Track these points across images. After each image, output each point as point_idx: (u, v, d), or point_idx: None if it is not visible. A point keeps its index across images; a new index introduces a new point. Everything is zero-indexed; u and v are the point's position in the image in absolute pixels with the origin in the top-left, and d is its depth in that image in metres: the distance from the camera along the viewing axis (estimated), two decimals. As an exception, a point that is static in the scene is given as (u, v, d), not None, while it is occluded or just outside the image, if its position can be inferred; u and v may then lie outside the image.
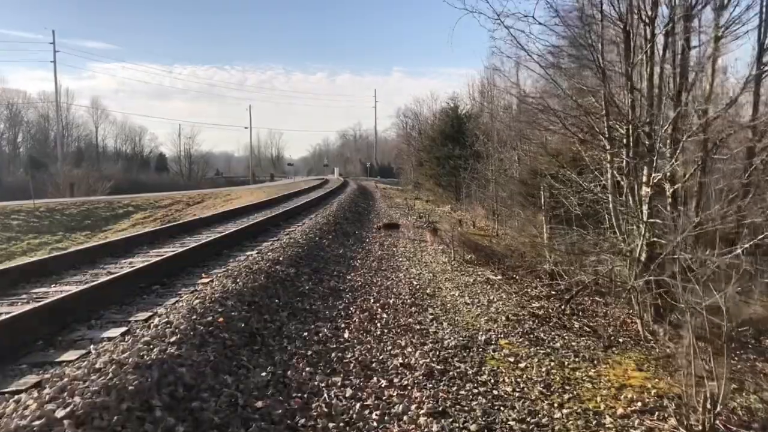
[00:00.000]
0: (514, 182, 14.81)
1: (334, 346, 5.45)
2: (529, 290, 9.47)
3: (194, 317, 4.94)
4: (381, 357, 5.31)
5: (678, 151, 6.69)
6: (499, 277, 10.14)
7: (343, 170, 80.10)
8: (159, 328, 4.61)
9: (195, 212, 40.61)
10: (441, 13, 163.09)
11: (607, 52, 7.91)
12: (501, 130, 19.27)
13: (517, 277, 10.43)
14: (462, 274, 10.08)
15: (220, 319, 5.09)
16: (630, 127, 7.56)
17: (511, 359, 5.65)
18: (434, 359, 5.34)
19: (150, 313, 5.22)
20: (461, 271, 10.47)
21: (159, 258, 7.43)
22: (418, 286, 8.79)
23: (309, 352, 5.15)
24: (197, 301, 5.46)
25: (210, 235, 11.13)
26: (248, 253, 8.86)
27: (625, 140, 7.68)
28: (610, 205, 7.97)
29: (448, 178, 29.85)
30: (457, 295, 8.44)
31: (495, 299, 8.36)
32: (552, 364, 5.63)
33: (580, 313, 8.15)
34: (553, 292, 9.35)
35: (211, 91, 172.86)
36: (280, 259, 8.32)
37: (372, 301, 7.51)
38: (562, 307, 8.16)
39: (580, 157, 9.68)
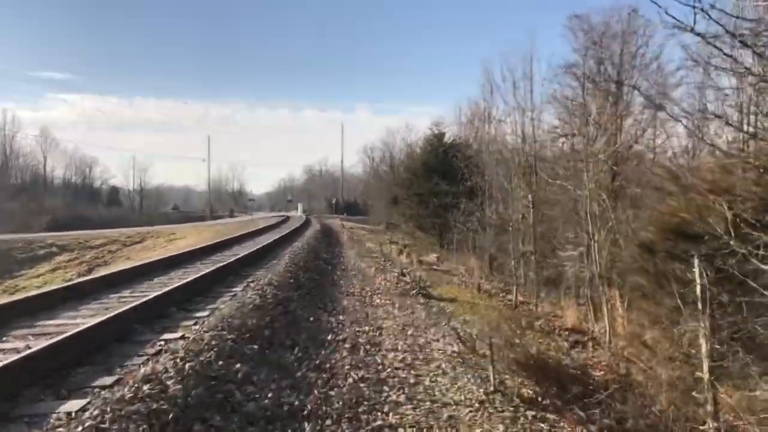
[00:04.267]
0: (629, 245, 9.17)
1: None
2: None
3: None
4: None
5: None
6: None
7: (307, 206, 78.19)
8: None
9: (131, 255, 34.54)
10: (409, 47, 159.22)
11: None
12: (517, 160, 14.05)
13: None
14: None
15: None
16: None
17: None
18: None
19: None
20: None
21: None
22: None
23: None
24: None
25: (11, 350, 5.39)
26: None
27: None
28: None
29: (432, 220, 24.45)
30: None
31: None
32: None
33: None
34: None
35: (174, 124, 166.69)
36: None
37: None
38: None
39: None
